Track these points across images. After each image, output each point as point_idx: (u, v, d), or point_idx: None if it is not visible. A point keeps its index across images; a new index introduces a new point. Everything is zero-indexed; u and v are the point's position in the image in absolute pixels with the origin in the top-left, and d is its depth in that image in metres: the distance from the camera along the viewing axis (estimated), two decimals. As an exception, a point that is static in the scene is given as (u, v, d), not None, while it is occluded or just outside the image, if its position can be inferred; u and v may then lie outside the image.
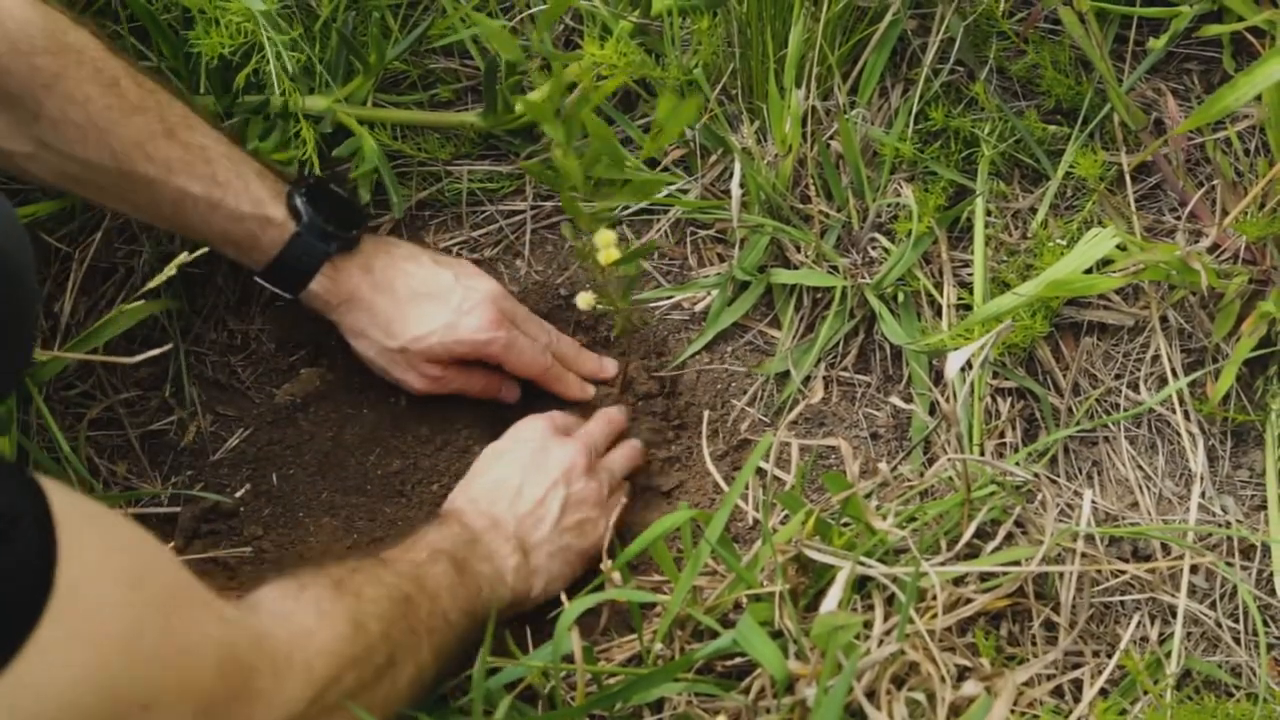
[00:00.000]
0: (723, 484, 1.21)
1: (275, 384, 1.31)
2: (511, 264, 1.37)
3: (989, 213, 1.29)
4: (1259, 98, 1.16)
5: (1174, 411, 1.21)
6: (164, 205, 1.12)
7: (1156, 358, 1.23)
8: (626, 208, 1.36)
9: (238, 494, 1.25)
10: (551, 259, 1.37)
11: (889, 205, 1.30)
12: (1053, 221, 1.29)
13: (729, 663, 1.02)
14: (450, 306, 1.21)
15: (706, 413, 1.27)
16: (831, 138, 1.30)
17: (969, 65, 1.37)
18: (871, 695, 0.94)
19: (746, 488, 1.20)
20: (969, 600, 1.03)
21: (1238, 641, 1.11)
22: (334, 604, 0.88)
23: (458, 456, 1.26)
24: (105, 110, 1.06)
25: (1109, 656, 1.06)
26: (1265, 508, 1.17)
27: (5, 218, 0.84)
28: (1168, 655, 1.08)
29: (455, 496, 1.15)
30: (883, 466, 1.17)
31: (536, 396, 1.29)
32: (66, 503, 0.65)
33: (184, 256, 1.14)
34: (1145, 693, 1.04)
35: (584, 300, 1.17)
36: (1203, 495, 1.18)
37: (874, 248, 1.29)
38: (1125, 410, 1.22)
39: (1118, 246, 1.14)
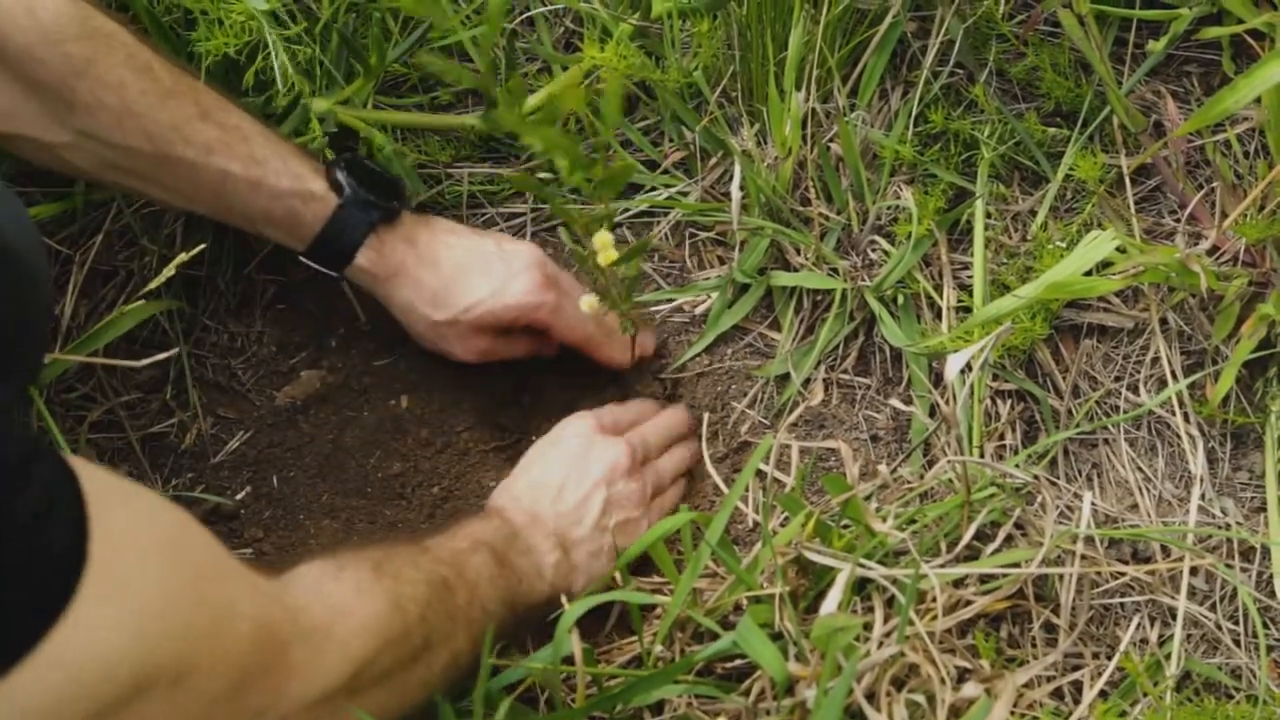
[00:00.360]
0: (723, 486, 1.22)
1: (276, 386, 1.31)
2: (512, 266, 1.37)
3: (989, 215, 1.29)
4: (1258, 100, 1.16)
5: (1174, 413, 1.21)
6: (204, 188, 1.12)
7: (1156, 360, 1.23)
8: (625, 210, 1.36)
9: (238, 496, 1.25)
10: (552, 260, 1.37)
11: (889, 208, 1.30)
12: (1052, 224, 1.29)
13: (729, 664, 1.02)
14: (495, 274, 1.20)
15: (706, 415, 1.27)
16: (831, 140, 1.30)
17: (969, 68, 1.37)
18: (871, 697, 0.94)
19: (746, 490, 1.20)
20: (969, 602, 1.03)
21: (1238, 643, 1.11)
22: (373, 584, 0.89)
23: (458, 459, 1.26)
24: (140, 95, 1.06)
25: (1109, 658, 1.06)
26: (1265, 510, 1.17)
27: (20, 221, 0.84)
28: (1167, 657, 1.08)
29: (498, 493, 1.15)
30: (882, 469, 1.17)
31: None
32: (98, 480, 0.66)
33: (183, 256, 1.14)
34: (1145, 694, 1.04)
35: (587, 304, 1.17)
36: (1202, 497, 1.18)
37: (874, 250, 1.29)
38: (1125, 412, 1.22)
39: (1117, 249, 1.14)
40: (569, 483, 1.13)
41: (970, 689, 0.94)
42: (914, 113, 1.32)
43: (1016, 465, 1.15)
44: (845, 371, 1.27)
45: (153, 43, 1.11)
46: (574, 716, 0.97)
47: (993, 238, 1.28)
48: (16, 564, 0.60)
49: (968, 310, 1.24)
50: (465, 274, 1.20)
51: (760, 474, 1.22)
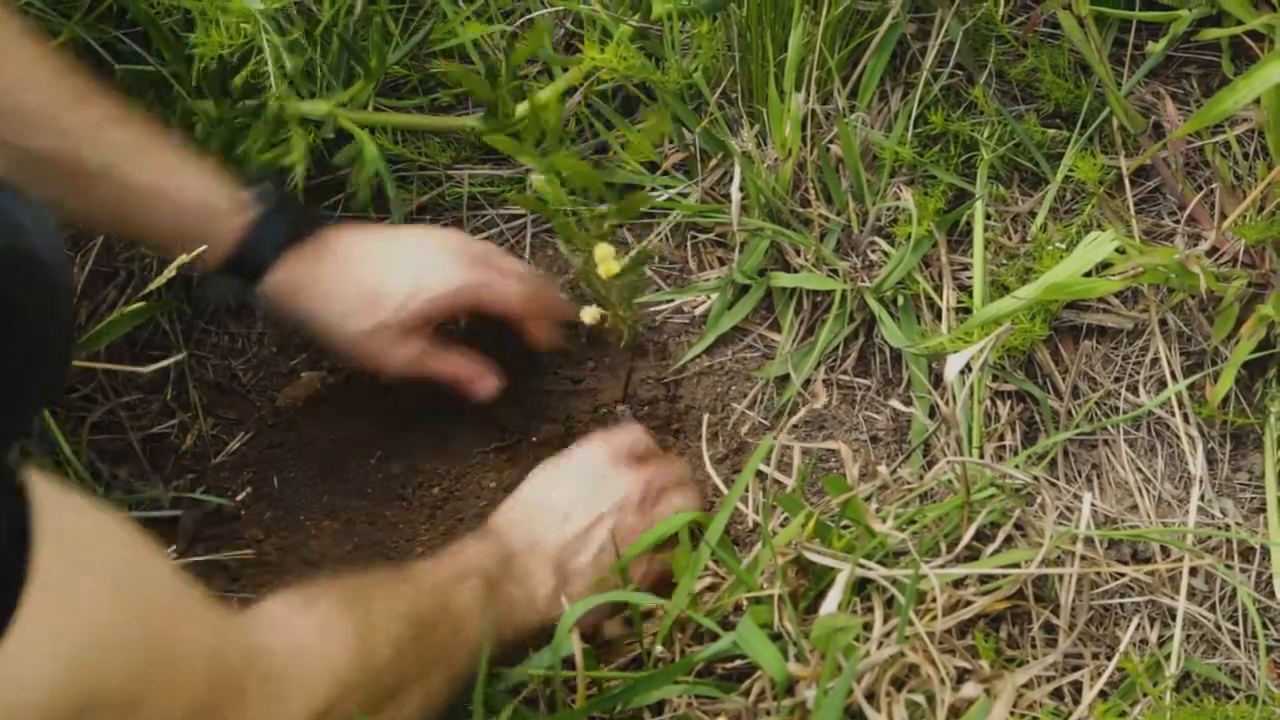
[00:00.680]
0: (722, 487, 1.22)
1: (276, 387, 1.31)
2: (512, 267, 1.37)
3: (988, 216, 1.30)
4: (1258, 101, 1.17)
5: (1173, 414, 1.21)
6: (109, 199, 1.06)
7: (1156, 361, 1.23)
8: (626, 212, 1.36)
9: (239, 497, 1.25)
10: (553, 263, 1.37)
11: (889, 209, 1.30)
12: (1052, 225, 1.30)
13: (729, 665, 1.02)
14: (415, 264, 1.16)
15: (706, 416, 1.27)
16: (831, 141, 1.30)
17: (968, 69, 1.37)
18: (871, 697, 0.94)
19: (746, 490, 1.20)
20: (969, 602, 1.03)
21: (1237, 644, 1.11)
22: (342, 623, 0.86)
23: (458, 459, 1.26)
24: (53, 98, 1.02)
25: (1108, 659, 1.07)
26: (1265, 510, 1.17)
27: (48, 233, 0.83)
28: (1167, 657, 1.08)
29: (501, 512, 1.11)
30: (882, 469, 1.17)
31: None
32: (54, 500, 0.64)
33: (184, 257, 1.14)
34: (1145, 695, 1.04)
35: (589, 314, 1.17)
36: (1202, 498, 1.18)
37: (874, 251, 1.29)
38: (1124, 413, 1.22)
39: (1117, 250, 1.14)
40: (576, 510, 1.09)
41: (970, 689, 0.94)
42: (914, 114, 1.32)
43: (1016, 466, 1.15)
44: (845, 372, 1.27)
45: (55, 52, 1.06)
46: (574, 717, 0.98)
47: (992, 239, 1.29)
48: None
49: (967, 311, 1.25)
50: (384, 272, 1.15)
51: (760, 475, 1.22)
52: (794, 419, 1.25)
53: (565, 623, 0.99)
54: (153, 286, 1.15)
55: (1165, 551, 1.15)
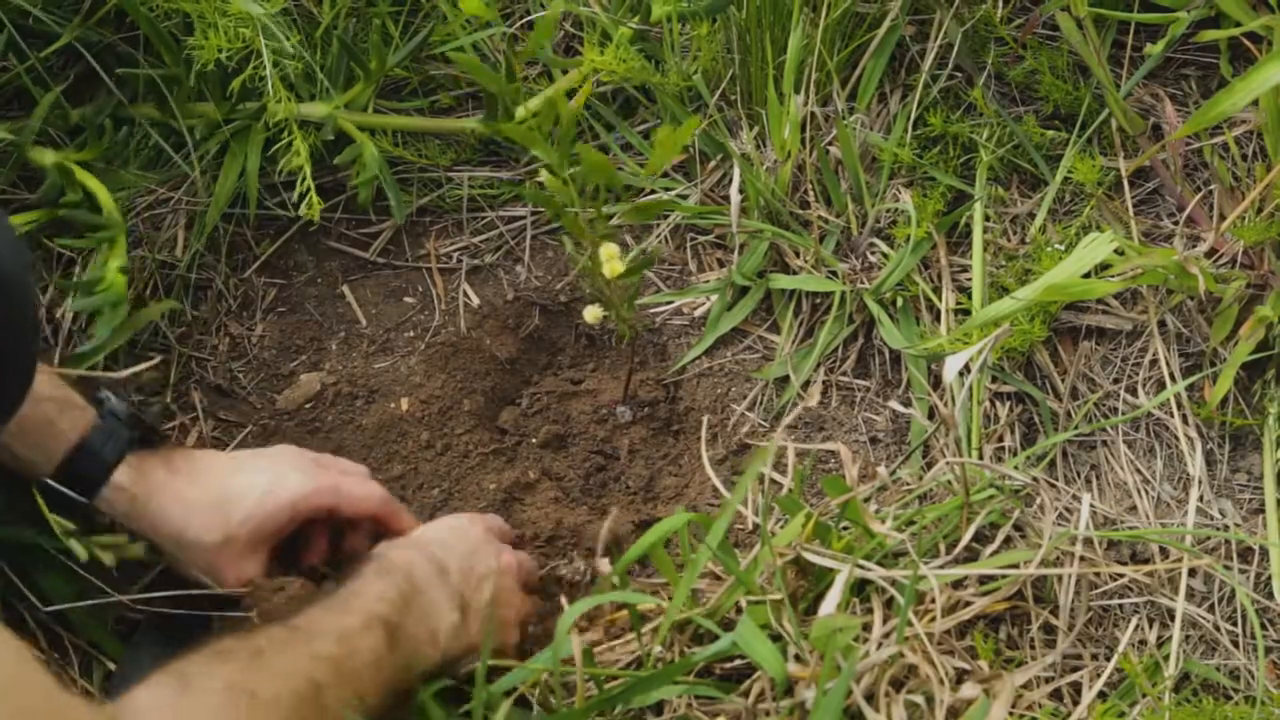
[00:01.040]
0: (721, 488, 1.22)
1: (276, 389, 1.31)
2: (512, 269, 1.37)
3: (987, 218, 1.30)
4: (1256, 103, 1.17)
5: (1172, 415, 1.22)
6: None
7: (1154, 362, 1.24)
8: (626, 214, 1.37)
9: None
10: (552, 264, 1.37)
11: (888, 210, 1.30)
12: (1051, 226, 1.30)
13: (729, 665, 1.02)
14: (264, 475, 1.10)
15: (706, 417, 1.27)
16: (830, 143, 1.30)
17: (967, 71, 1.37)
18: (870, 697, 0.94)
19: (746, 492, 1.20)
20: (968, 603, 1.03)
21: (1236, 644, 1.11)
22: (220, 708, 0.83)
23: (458, 461, 1.26)
24: None
25: (1107, 659, 1.07)
26: (1263, 511, 1.18)
27: (9, 241, 0.82)
28: (1166, 658, 1.08)
29: (396, 549, 1.07)
30: (881, 470, 1.17)
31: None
32: None
33: (184, 257, 1.14)
34: (1144, 695, 1.04)
35: (591, 314, 1.17)
36: (1201, 499, 1.18)
37: (873, 253, 1.29)
38: (1123, 414, 1.22)
39: (1115, 251, 1.14)
40: (479, 553, 1.08)
41: (969, 690, 0.94)
42: (913, 116, 1.32)
43: (1015, 467, 1.15)
44: (844, 374, 1.27)
45: None
46: (574, 718, 0.98)
47: (991, 240, 1.29)
48: None
49: (966, 313, 1.25)
50: (231, 483, 1.09)
51: (759, 475, 1.22)
52: (793, 420, 1.25)
53: (564, 624, 0.99)
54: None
55: (1164, 552, 1.15)
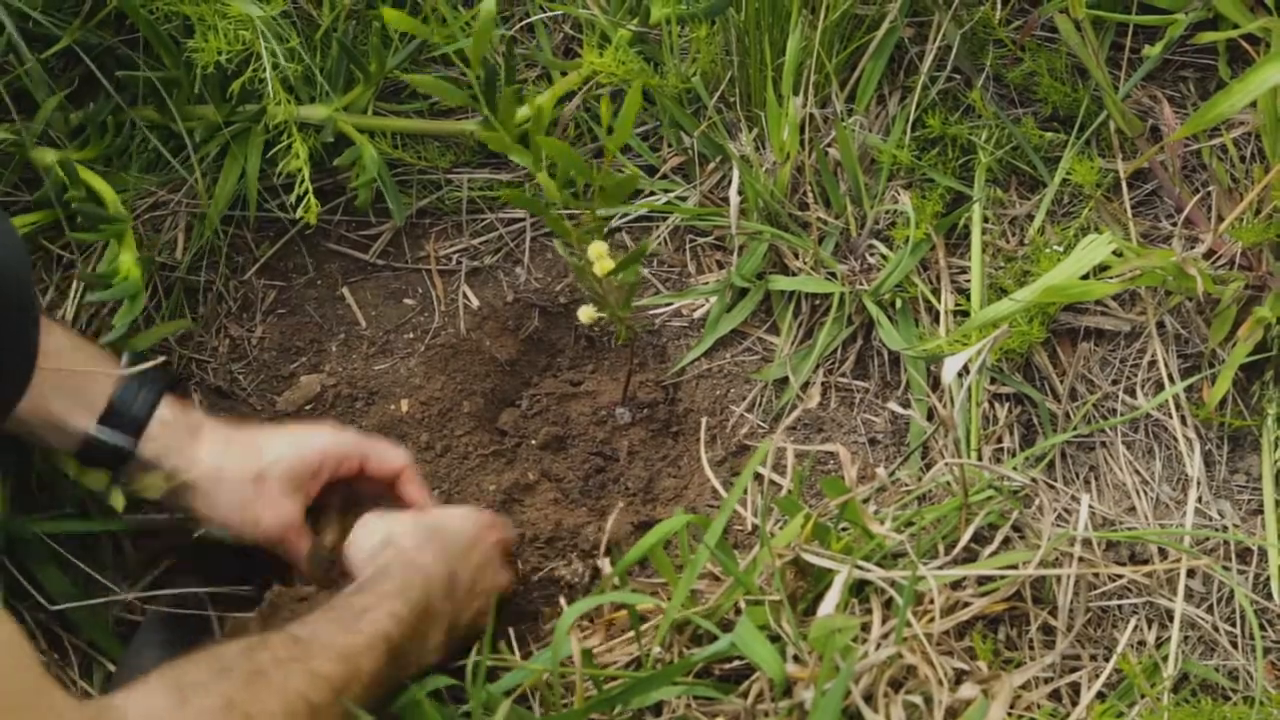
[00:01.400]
0: (721, 490, 1.22)
1: (276, 391, 1.32)
2: (511, 271, 1.38)
3: (986, 219, 1.30)
4: (1254, 104, 1.17)
5: (1171, 416, 1.22)
6: None
7: (1153, 363, 1.24)
8: (625, 215, 1.37)
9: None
10: (551, 266, 1.37)
11: (887, 212, 1.30)
12: (1049, 228, 1.30)
13: (728, 666, 1.03)
14: (297, 430, 1.15)
15: (705, 418, 1.28)
16: (829, 145, 1.31)
17: (966, 73, 1.37)
18: (869, 698, 0.94)
19: (745, 493, 1.20)
20: (966, 604, 1.03)
21: (1234, 645, 1.12)
22: None
23: (458, 463, 1.26)
24: None
25: (1106, 660, 1.07)
26: (1261, 512, 1.18)
27: (8, 244, 0.82)
28: (1165, 659, 1.08)
29: (424, 537, 1.07)
30: (880, 471, 1.17)
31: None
32: None
33: (184, 259, 1.14)
34: (1142, 696, 1.04)
35: (586, 314, 1.18)
36: (1199, 500, 1.18)
37: (872, 254, 1.29)
38: (1122, 415, 1.22)
39: (1114, 253, 1.14)
40: (487, 570, 1.10)
41: (967, 690, 0.95)
42: (911, 117, 1.32)
43: (1014, 468, 1.16)
44: (843, 375, 1.28)
45: None
46: (573, 718, 0.98)
47: (990, 242, 1.29)
48: None
49: (965, 314, 1.25)
50: (270, 433, 1.13)
51: (758, 477, 1.22)
52: (792, 421, 1.25)
53: (564, 624, 0.99)
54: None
55: (1163, 553, 1.15)
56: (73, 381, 1.04)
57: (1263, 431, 1.20)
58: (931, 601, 1.01)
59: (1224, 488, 1.20)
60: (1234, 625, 1.13)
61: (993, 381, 1.23)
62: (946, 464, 1.14)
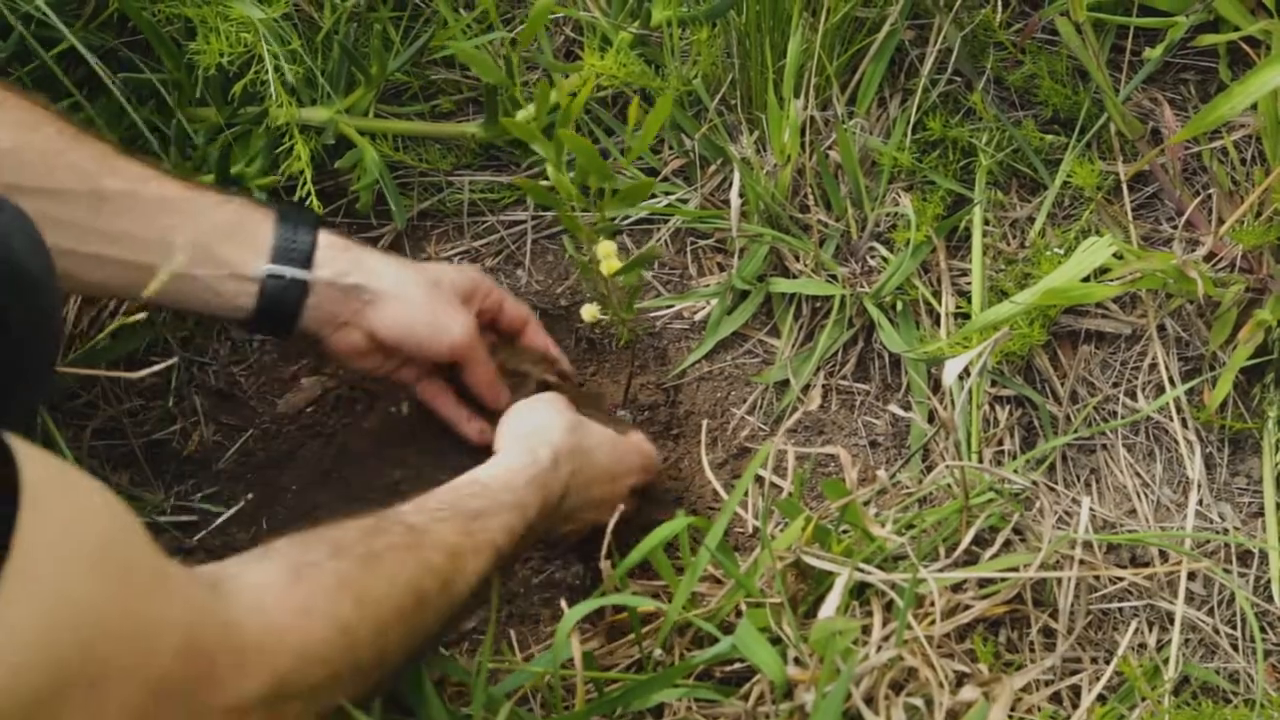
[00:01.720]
0: (722, 492, 1.22)
1: (277, 393, 1.32)
2: (512, 274, 1.38)
3: (987, 222, 1.30)
4: (1255, 107, 1.17)
5: (1171, 419, 1.22)
6: (144, 220, 1.02)
7: (1154, 366, 1.24)
8: (627, 217, 1.37)
9: (240, 503, 1.25)
10: (552, 268, 1.37)
11: (887, 214, 1.30)
12: (1050, 230, 1.30)
13: (728, 668, 1.03)
14: (437, 265, 1.20)
15: (706, 421, 1.28)
16: (830, 147, 1.31)
17: (966, 75, 1.37)
18: (870, 701, 0.94)
19: (746, 495, 1.20)
20: (967, 606, 1.03)
21: (1235, 648, 1.12)
22: (327, 604, 0.83)
23: (458, 467, 1.26)
24: (57, 136, 1.00)
25: (1107, 663, 1.07)
26: (1262, 514, 1.18)
27: (25, 231, 0.82)
28: (1165, 661, 1.09)
29: (579, 426, 1.10)
30: (881, 474, 1.17)
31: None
32: (39, 467, 0.64)
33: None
34: (1143, 699, 1.04)
35: (588, 312, 1.18)
36: (1200, 502, 1.18)
37: (872, 257, 1.29)
38: (1123, 418, 1.22)
39: (1115, 255, 1.14)
40: (619, 483, 1.13)
41: (968, 693, 0.94)
42: (912, 120, 1.33)
43: (1015, 470, 1.16)
44: (844, 377, 1.28)
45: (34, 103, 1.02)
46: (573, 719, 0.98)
47: (991, 244, 1.29)
48: None
49: (966, 316, 1.25)
50: (418, 266, 1.17)
51: (759, 479, 1.22)
52: (793, 423, 1.25)
53: (564, 626, 0.99)
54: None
55: (1164, 556, 1.15)
56: (232, 227, 1.06)
57: (1263, 434, 1.20)
58: (932, 604, 1.01)
59: (1225, 490, 1.20)
60: (1235, 628, 1.13)
61: (993, 384, 1.23)
62: (947, 466, 1.14)
